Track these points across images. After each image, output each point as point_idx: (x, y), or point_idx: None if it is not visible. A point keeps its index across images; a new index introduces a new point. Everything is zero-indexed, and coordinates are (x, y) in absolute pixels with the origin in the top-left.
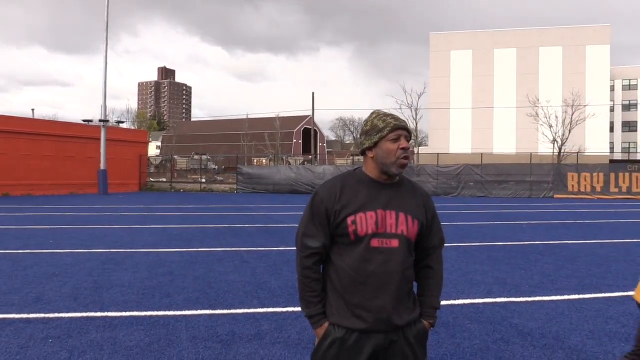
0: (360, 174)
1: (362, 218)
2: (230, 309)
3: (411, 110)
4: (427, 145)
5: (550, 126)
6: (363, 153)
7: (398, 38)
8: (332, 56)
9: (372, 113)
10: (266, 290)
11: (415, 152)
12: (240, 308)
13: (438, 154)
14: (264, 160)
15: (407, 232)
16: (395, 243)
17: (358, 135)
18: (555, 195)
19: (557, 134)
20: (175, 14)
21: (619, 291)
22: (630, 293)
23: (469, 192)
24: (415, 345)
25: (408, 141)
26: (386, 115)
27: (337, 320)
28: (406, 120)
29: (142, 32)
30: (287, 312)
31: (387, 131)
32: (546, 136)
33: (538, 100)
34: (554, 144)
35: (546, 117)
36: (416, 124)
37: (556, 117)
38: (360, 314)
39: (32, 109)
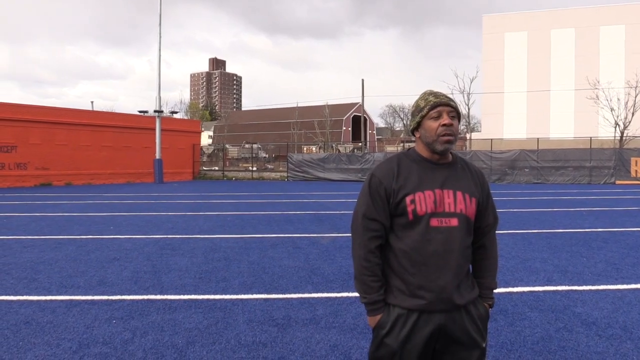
0: (414, 154)
1: (421, 197)
2: (285, 293)
3: (463, 96)
4: (480, 132)
5: (612, 109)
6: (414, 134)
7: (444, 21)
8: (377, 41)
9: (422, 93)
10: (320, 275)
11: (468, 138)
12: (295, 293)
13: (491, 139)
14: (314, 148)
15: (466, 210)
16: (454, 222)
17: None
18: (617, 182)
19: (619, 118)
20: (219, 4)
21: None
22: None
23: (524, 179)
24: (480, 326)
25: (453, 117)
26: (430, 94)
27: (397, 301)
28: (452, 98)
29: (187, 24)
30: (342, 297)
31: (427, 110)
32: (607, 120)
33: (599, 82)
34: (616, 127)
35: (607, 100)
36: (468, 109)
37: (618, 99)
38: (421, 295)
39: (92, 102)
